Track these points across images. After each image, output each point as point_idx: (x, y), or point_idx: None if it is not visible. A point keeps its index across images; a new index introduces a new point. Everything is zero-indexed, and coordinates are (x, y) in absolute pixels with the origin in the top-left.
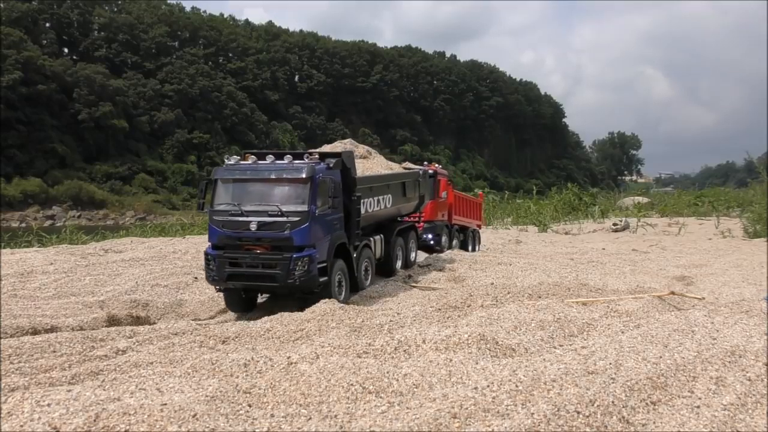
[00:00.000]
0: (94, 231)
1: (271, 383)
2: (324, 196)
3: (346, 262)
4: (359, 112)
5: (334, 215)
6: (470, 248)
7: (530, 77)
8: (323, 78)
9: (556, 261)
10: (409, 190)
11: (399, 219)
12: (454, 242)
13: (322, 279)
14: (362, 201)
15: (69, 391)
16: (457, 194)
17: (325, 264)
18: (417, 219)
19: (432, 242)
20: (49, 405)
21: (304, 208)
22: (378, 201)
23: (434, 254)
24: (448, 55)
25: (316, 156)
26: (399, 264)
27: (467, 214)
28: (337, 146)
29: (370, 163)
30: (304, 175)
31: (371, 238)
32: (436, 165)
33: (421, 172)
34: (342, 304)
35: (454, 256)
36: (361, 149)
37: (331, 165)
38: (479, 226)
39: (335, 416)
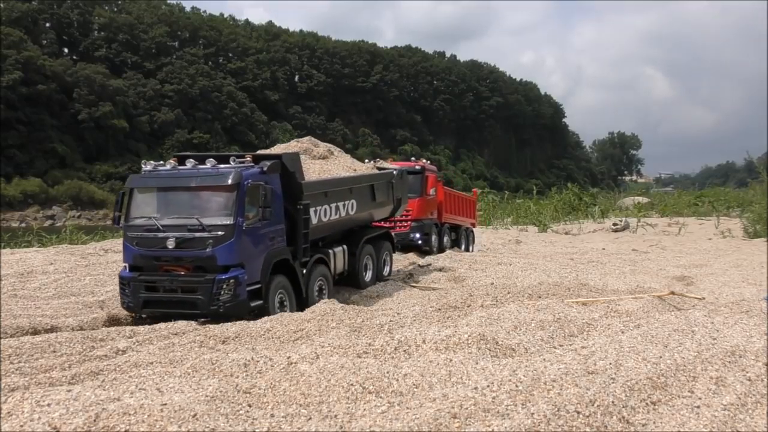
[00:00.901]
0: (94, 231)
1: (271, 383)
2: (255, 206)
3: (291, 280)
4: (359, 112)
5: (270, 228)
6: (463, 248)
7: (531, 77)
8: (323, 78)
9: (556, 261)
10: (381, 193)
11: (370, 226)
12: (446, 241)
13: (254, 303)
14: (314, 209)
15: (69, 391)
16: (447, 191)
17: (258, 285)
18: (392, 226)
19: (420, 242)
20: (49, 405)
21: (229, 220)
22: (337, 208)
23: (431, 255)
24: (448, 55)
25: (249, 159)
26: (368, 276)
27: (459, 212)
28: (291, 146)
29: (331, 165)
30: (229, 182)
31: (330, 251)
32: (425, 161)
33: (395, 172)
34: (342, 304)
35: (453, 256)
36: (321, 148)
37: (266, 169)
38: (473, 225)
39: (335, 416)
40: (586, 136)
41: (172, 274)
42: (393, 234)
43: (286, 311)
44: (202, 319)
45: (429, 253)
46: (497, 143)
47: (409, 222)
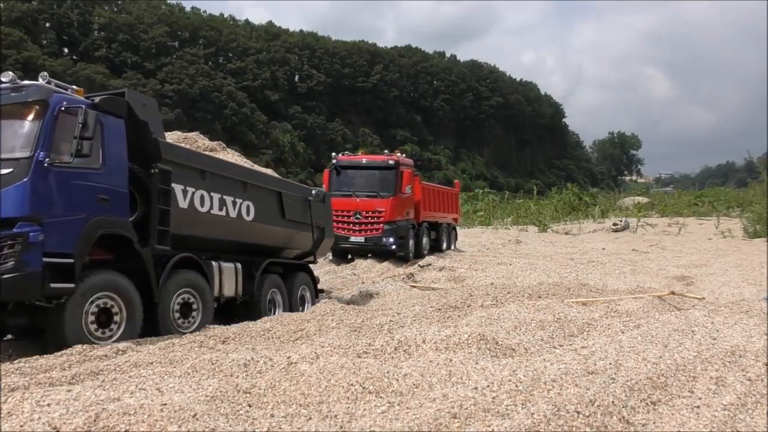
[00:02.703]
0: None
1: (271, 383)
2: (70, 140)
3: (133, 276)
4: (359, 112)
5: (100, 181)
6: (444, 246)
7: (531, 77)
8: (323, 78)
9: (556, 261)
10: (293, 210)
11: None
12: (424, 243)
13: (57, 285)
14: (182, 188)
15: (69, 391)
16: (425, 186)
17: (69, 261)
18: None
19: (394, 247)
20: (49, 405)
21: (26, 152)
22: (222, 202)
23: (407, 261)
24: (448, 55)
25: (82, 91)
26: (276, 313)
27: (439, 207)
28: (168, 136)
29: (218, 157)
30: (30, 99)
31: (215, 263)
32: (399, 154)
33: (314, 191)
34: (342, 304)
35: (453, 256)
36: (206, 142)
37: (97, 102)
38: (456, 220)
39: (335, 416)
40: (586, 136)
41: None
42: (358, 246)
43: (120, 328)
44: None
45: (405, 259)
46: (497, 143)
47: (381, 224)
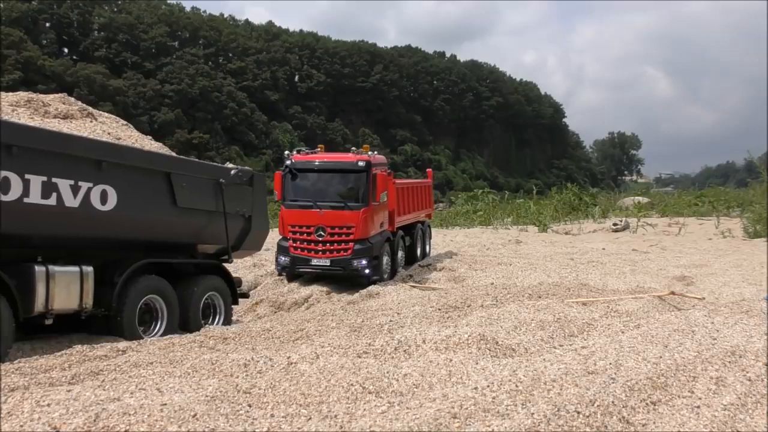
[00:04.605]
0: None
1: (271, 383)
2: None
3: None
4: (359, 112)
5: None
6: (419, 252)
7: (532, 77)
8: (323, 78)
9: (556, 261)
10: (190, 195)
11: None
12: (400, 257)
13: None
14: None
15: (69, 391)
16: (399, 186)
17: None
18: (226, 259)
19: (367, 271)
20: (49, 405)
21: None
22: (50, 187)
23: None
24: (448, 55)
25: None
26: (159, 330)
27: (413, 206)
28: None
29: (79, 129)
30: None
31: (40, 266)
32: (371, 153)
33: (233, 171)
34: (342, 304)
35: (453, 256)
36: (60, 107)
37: None
38: (429, 216)
39: (335, 416)
40: (586, 136)
41: None
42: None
43: None
44: None
45: (379, 281)
46: (497, 143)
47: (351, 243)
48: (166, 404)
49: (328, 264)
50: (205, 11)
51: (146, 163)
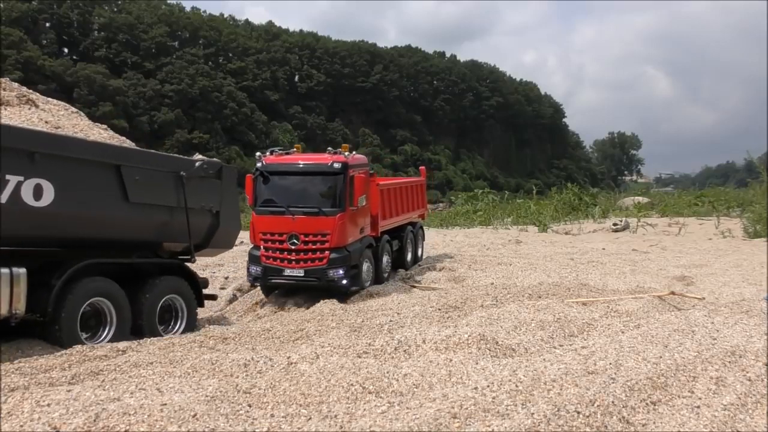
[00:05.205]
0: None
1: (271, 383)
2: None
3: None
4: (359, 112)
5: None
6: (409, 257)
7: (533, 77)
8: (323, 78)
9: (556, 261)
10: (144, 189)
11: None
12: (385, 263)
13: None
14: None
15: (69, 391)
16: (384, 187)
17: None
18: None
19: (345, 282)
20: (49, 405)
21: None
22: None
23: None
24: (448, 55)
25: None
26: (106, 336)
27: (402, 208)
28: None
29: (13, 117)
30: None
31: None
32: (348, 153)
33: (197, 164)
34: (342, 304)
35: (453, 256)
36: (5, 92)
37: None
38: (422, 217)
39: (335, 416)
40: (586, 136)
41: None
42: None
43: None
44: None
45: (359, 291)
46: (497, 143)
47: (326, 252)
48: (166, 404)
49: (302, 274)
50: (205, 11)
51: (90, 155)
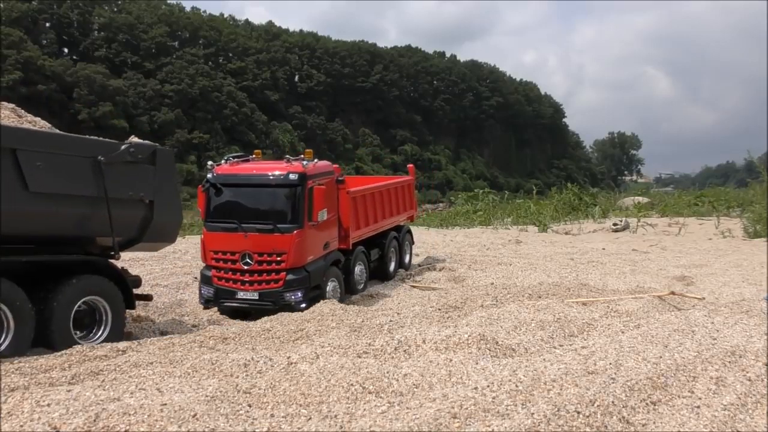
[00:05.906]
0: None
1: (271, 383)
2: None
3: None
4: (359, 112)
5: None
6: (392, 266)
7: (532, 77)
8: (323, 78)
9: (556, 261)
10: (49, 177)
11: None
12: (358, 273)
13: None
14: None
15: (69, 391)
16: (356, 195)
17: None
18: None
19: (304, 305)
20: (49, 405)
21: None
22: None
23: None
24: (448, 55)
25: None
26: (3, 345)
27: (384, 212)
28: None
29: None
30: None
31: None
32: (306, 160)
33: (123, 147)
34: (342, 304)
35: (453, 256)
36: None
37: None
38: (411, 219)
39: (335, 416)
40: (586, 136)
41: None
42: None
43: None
44: None
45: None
46: (497, 143)
47: (282, 273)
48: (166, 404)
49: (257, 297)
50: (205, 11)
51: None
